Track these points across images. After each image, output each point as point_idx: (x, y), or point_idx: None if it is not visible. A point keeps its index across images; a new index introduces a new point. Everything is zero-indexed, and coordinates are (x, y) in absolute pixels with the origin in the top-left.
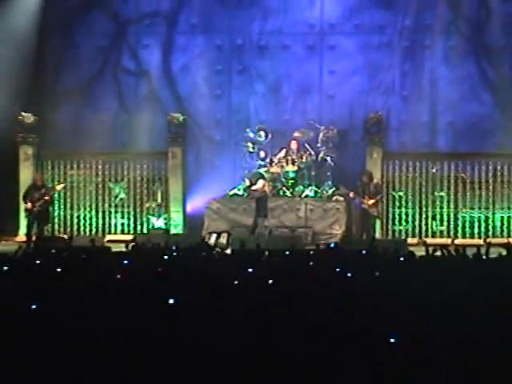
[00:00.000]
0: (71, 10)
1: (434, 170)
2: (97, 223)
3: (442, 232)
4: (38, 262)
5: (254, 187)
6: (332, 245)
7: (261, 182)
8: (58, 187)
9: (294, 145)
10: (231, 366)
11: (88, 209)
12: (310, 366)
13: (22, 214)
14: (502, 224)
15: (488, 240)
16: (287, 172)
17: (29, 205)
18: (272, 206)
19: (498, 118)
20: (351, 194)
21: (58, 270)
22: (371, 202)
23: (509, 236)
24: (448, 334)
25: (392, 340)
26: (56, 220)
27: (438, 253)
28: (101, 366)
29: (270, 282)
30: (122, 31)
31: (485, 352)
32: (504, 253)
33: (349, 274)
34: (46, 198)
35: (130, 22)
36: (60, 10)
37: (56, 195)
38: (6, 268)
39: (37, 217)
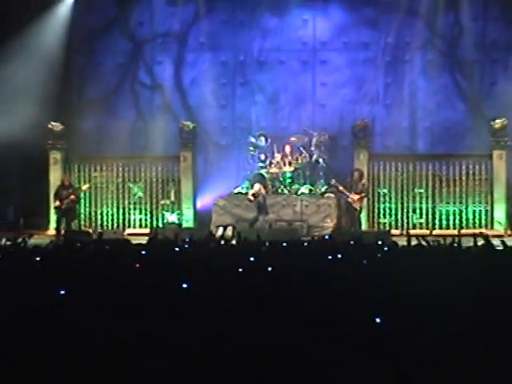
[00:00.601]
0: (94, 31)
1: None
2: (118, 219)
3: (421, 224)
4: (66, 252)
5: (251, 191)
6: (327, 236)
7: (257, 186)
8: (84, 187)
9: (287, 149)
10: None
11: (110, 206)
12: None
13: (52, 212)
14: (474, 217)
15: (478, 232)
16: (285, 172)
17: (58, 203)
18: (271, 203)
19: (470, 124)
20: (340, 188)
21: (84, 259)
22: (356, 197)
23: (480, 227)
24: (429, 314)
25: (378, 320)
26: (82, 216)
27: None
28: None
29: (269, 269)
30: (139, 49)
31: (465, 333)
32: (480, 242)
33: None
34: (73, 196)
35: (145, 41)
36: (84, 31)
37: (82, 194)
38: (38, 258)
39: (65, 213)
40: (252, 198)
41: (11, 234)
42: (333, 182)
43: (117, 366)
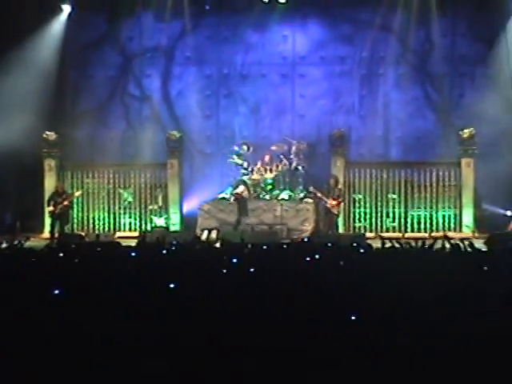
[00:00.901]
0: (86, 46)
1: (385, 176)
2: (109, 222)
3: (394, 228)
4: (60, 254)
5: (235, 190)
6: (305, 239)
7: (241, 187)
8: (76, 193)
9: (266, 158)
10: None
11: (101, 211)
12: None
13: (47, 216)
14: (444, 221)
15: (445, 234)
16: (266, 179)
17: (52, 208)
18: (253, 207)
19: (440, 133)
20: (319, 194)
21: (76, 260)
22: (334, 202)
23: (449, 230)
24: (401, 310)
25: (353, 318)
26: (75, 220)
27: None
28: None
29: (252, 270)
30: (128, 63)
31: (435, 323)
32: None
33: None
34: (66, 202)
35: (134, 55)
36: (77, 45)
37: (75, 200)
38: (33, 259)
39: (59, 218)
40: (236, 195)
41: (8, 236)
42: (311, 189)
43: (109, 362)
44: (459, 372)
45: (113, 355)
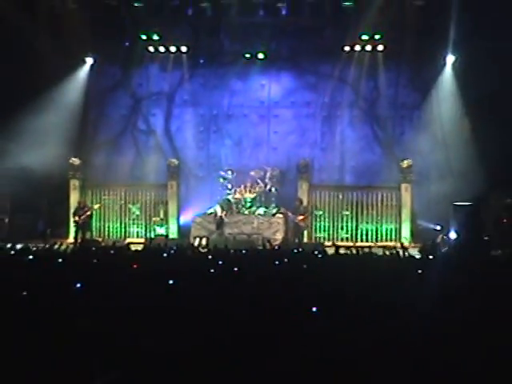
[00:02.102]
0: (104, 90)
1: (340, 197)
2: (120, 231)
3: (347, 238)
4: (81, 255)
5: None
6: (276, 247)
7: (219, 210)
8: (95, 207)
9: (248, 183)
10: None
11: (114, 221)
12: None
13: (72, 225)
14: (387, 233)
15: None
16: (246, 198)
17: (76, 218)
18: (235, 220)
19: (384, 163)
20: (289, 213)
21: (95, 260)
22: (300, 218)
23: (391, 240)
24: (351, 302)
25: (314, 309)
26: (94, 228)
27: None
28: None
29: (236, 269)
30: (138, 104)
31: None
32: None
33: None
34: (88, 213)
35: (142, 98)
36: (97, 90)
37: (94, 212)
38: (60, 260)
39: (81, 227)
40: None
41: (40, 241)
42: (282, 210)
43: (119, 337)
44: (392, 356)
45: (122, 332)
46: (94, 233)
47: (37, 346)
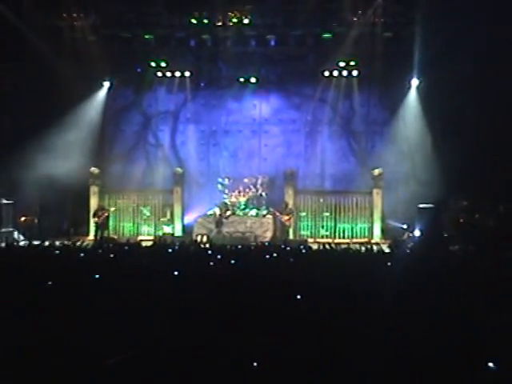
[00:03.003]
0: (120, 109)
1: (321, 200)
2: (133, 230)
3: (327, 236)
4: (100, 251)
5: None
6: (267, 243)
7: (217, 210)
8: (112, 209)
9: (242, 188)
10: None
11: (128, 221)
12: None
13: (91, 225)
14: (361, 231)
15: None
16: (240, 201)
17: (96, 219)
18: (231, 220)
19: (358, 172)
20: (277, 213)
21: (111, 255)
22: (286, 218)
23: (365, 237)
24: (330, 290)
25: (298, 297)
26: (111, 228)
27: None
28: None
29: (232, 261)
30: (148, 122)
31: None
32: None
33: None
34: (106, 215)
35: (152, 116)
36: (113, 109)
37: (111, 214)
38: (81, 254)
39: (100, 226)
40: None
41: (65, 238)
42: (271, 210)
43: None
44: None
45: (133, 316)
46: (111, 231)
47: (59, 326)
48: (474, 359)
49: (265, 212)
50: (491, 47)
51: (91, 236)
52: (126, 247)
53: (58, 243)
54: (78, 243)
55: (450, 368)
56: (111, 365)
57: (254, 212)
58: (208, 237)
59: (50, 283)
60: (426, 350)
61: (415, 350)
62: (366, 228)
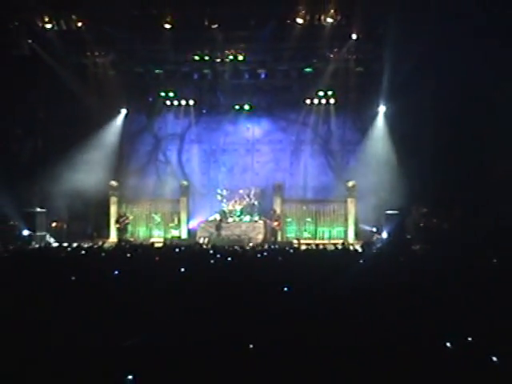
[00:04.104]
0: (134, 132)
1: (304, 208)
2: (146, 233)
3: (309, 237)
4: (119, 251)
5: (212, 219)
6: (259, 247)
7: (217, 216)
8: (130, 217)
9: (237, 198)
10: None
11: (142, 226)
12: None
13: (112, 228)
14: (337, 234)
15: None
16: (236, 209)
17: (118, 224)
18: (228, 225)
19: (335, 184)
20: (267, 220)
21: (128, 254)
22: (275, 223)
23: (341, 239)
24: (313, 284)
25: (285, 289)
26: (128, 231)
27: (308, 247)
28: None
29: (229, 259)
30: (158, 142)
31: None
32: (340, 247)
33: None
34: (126, 221)
35: (162, 138)
36: (129, 132)
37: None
38: (103, 254)
39: (121, 230)
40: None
41: (88, 240)
42: (262, 217)
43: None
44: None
45: (147, 305)
46: (128, 234)
47: (83, 314)
48: (434, 339)
49: (257, 218)
50: (446, 81)
51: (111, 238)
52: (141, 248)
53: (83, 245)
54: (100, 244)
55: (413, 347)
56: (128, 346)
57: (247, 218)
58: (209, 239)
59: (73, 278)
60: (392, 329)
61: (384, 329)
62: (341, 231)
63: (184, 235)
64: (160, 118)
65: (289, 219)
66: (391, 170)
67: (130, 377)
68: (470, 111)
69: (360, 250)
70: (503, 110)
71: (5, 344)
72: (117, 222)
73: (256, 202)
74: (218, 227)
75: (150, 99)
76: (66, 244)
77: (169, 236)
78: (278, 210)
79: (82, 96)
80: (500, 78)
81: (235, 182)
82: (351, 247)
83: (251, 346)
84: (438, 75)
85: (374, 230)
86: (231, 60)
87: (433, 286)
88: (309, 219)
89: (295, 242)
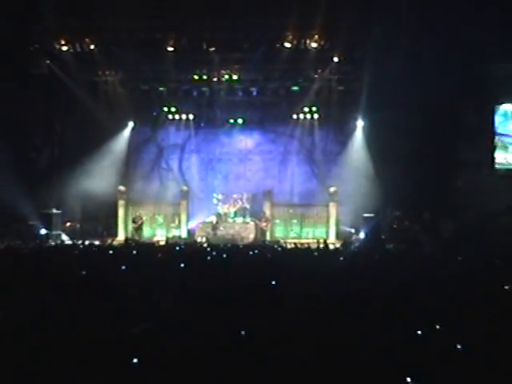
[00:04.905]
0: (140, 143)
1: (291, 211)
2: (150, 232)
3: (295, 237)
4: (126, 248)
5: (209, 221)
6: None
7: (213, 218)
8: (144, 218)
9: (232, 202)
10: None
11: (147, 226)
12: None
13: (120, 228)
14: (321, 234)
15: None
16: (230, 212)
17: (134, 224)
18: (224, 226)
19: (318, 190)
20: (257, 221)
21: (134, 252)
22: (264, 224)
23: (323, 239)
24: (298, 277)
25: (273, 282)
26: (143, 231)
27: (295, 245)
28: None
29: (224, 256)
30: (161, 152)
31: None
32: (322, 245)
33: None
34: (141, 222)
35: (164, 147)
36: (135, 142)
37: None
38: (111, 251)
39: (137, 230)
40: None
41: (99, 239)
42: (254, 220)
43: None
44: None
45: (151, 295)
46: (143, 233)
47: (93, 304)
48: (407, 325)
49: (248, 220)
50: (416, 98)
51: (119, 237)
52: (145, 246)
53: (94, 243)
54: (109, 242)
55: (385, 335)
56: (135, 333)
57: (240, 220)
58: (206, 238)
59: (83, 272)
60: (367, 316)
61: (360, 316)
62: (324, 232)
63: (184, 234)
64: (163, 130)
65: (277, 221)
66: (368, 177)
67: (135, 360)
68: (438, 126)
69: (340, 248)
70: (465, 125)
71: (27, 325)
72: (133, 222)
73: (248, 206)
74: (214, 228)
75: (154, 113)
76: (78, 242)
77: (170, 235)
78: (268, 213)
79: (94, 110)
80: (461, 97)
81: (230, 188)
82: (332, 246)
83: (243, 332)
84: (410, 94)
85: (353, 230)
86: (226, 79)
87: (404, 279)
88: (295, 221)
89: (282, 241)
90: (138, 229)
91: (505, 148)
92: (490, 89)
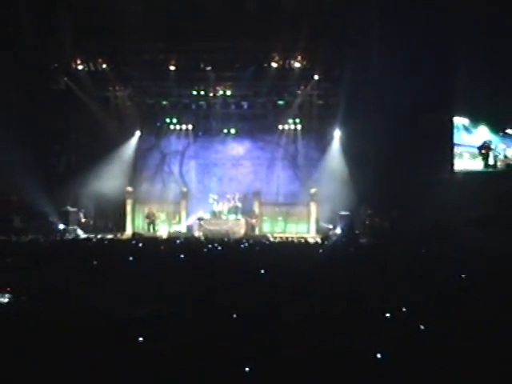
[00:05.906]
0: (145, 150)
1: (276, 209)
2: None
3: (280, 232)
4: (133, 242)
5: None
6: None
7: (209, 216)
8: (157, 214)
9: (225, 201)
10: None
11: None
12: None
13: (128, 223)
14: (302, 230)
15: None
16: (224, 210)
17: (147, 220)
18: (218, 222)
19: (301, 191)
20: (248, 218)
21: (140, 244)
22: (254, 221)
23: (305, 234)
24: (284, 267)
25: (262, 271)
26: (140, 227)
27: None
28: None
29: (220, 248)
30: (164, 157)
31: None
32: (303, 240)
33: (257, 248)
34: (153, 218)
35: (167, 154)
36: (141, 149)
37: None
38: (121, 244)
39: (149, 224)
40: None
41: (110, 234)
42: (244, 217)
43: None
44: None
45: (155, 282)
46: (140, 229)
47: (105, 289)
48: (375, 310)
49: (240, 217)
50: (384, 112)
51: (127, 232)
52: (150, 239)
53: (105, 236)
54: (118, 236)
55: (356, 316)
56: (139, 316)
57: (233, 217)
58: (203, 233)
59: (95, 262)
60: (342, 299)
61: (335, 299)
62: (305, 227)
63: (184, 230)
64: (165, 138)
65: (264, 218)
66: (344, 180)
67: (140, 339)
68: (403, 134)
69: (320, 242)
70: (427, 133)
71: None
72: (147, 217)
73: (239, 204)
74: (210, 224)
75: (158, 124)
76: (92, 236)
77: (172, 230)
78: (257, 211)
79: (105, 121)
80: (423, 111)
81: (223, 189)
82: (312, 240)
83: (234, 315)
84: (379, 108)
85: (331, 226)
86: (221, 94)
87: (375, 269)
88: (280, 218)
89: (269, 235)
90: (151, 223)
91: (461, 156)
92: (449, 103)
